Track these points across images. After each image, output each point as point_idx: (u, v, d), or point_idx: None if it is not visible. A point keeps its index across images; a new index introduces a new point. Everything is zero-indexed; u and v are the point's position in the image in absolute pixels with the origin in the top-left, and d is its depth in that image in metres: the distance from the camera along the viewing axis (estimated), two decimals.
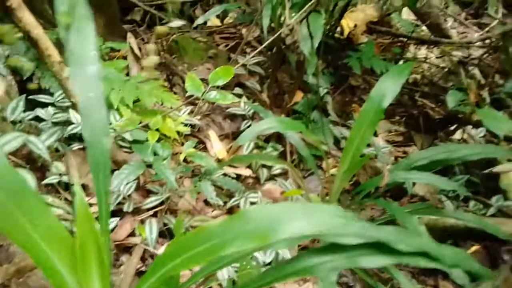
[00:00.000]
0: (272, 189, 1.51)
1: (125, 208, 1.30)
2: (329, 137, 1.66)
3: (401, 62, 2.11)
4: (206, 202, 1.43)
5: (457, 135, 1.86)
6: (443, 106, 1.89)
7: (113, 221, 1.26)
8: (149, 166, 1.33)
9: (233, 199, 1.41)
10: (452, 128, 1.85)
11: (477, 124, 1.68)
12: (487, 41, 2.09)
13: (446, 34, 2.24)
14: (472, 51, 2.19)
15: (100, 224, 0.66)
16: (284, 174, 1.57)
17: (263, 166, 1.56)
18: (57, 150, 1.33)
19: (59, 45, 1.27)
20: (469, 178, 1.58)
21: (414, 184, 1.53)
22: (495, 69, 1.94)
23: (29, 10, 1.10)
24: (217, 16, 2.20)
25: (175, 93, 1.69)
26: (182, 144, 1.49)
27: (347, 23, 2.03)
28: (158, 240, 1.26)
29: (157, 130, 1.41)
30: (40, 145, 1.19)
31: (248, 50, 2.02)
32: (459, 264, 0.66)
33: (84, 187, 1.29)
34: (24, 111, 1.32)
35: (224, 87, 1.57)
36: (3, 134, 1.15)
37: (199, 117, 1.66)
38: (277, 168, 1.56)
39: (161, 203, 1.35)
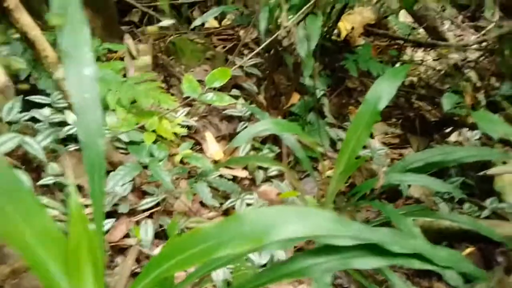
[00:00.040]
0: (268, 190, 1.52)
1: (121, 209, 1.30)
2: (325, 139, 1.66)
3: (398, 65, 2.12)
4: (202, 204, 1.43)
5: (453, 137, 1.87)
6: (439, 108, 1.90)
7: (109, 222, 1.26)
8: (145, 167, 1.33)
9: (229, 201, 1.42)
10: (448, 130, 1.86)
11: (473, 127, 1.69)
12: (484, 44, 2.11)
13: (443, 36, 2.25)
14: (469, 54, 2.19)
15: (94, 225, 0.66)
16: (280, 176, 1.58)
17: (260, 167, 1.56)
18: (53, 151, 1.33)
19: (57, 46, 1.28)
20: (464, 180, 1.59)
21: (409, 186, 1.53)
22: (491, 71, 1.95)
23: (27, 11, 1.10)
24: (215, 18, 2.20)
25: (172, 94, 1.69)
26: (179, 145, 1.49)
27: (345, 25, 2.04)
28: (153, 242, 1.26)
29: (154, 131, 1.41)
30: (36, 146, 1.19)
31: (245, 52, 2.02)
32: (453, 266, 0.66)
33: (80, 188, 1.29)
34: (20, 112, 1.32)
35: (221, 89, 1.57)
36: None
37: (196, 118, 1.67)
38: (273, 170, 1.56)
39: (157, 205, 1.35)
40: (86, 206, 1.21)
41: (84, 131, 0.69)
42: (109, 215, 1.29)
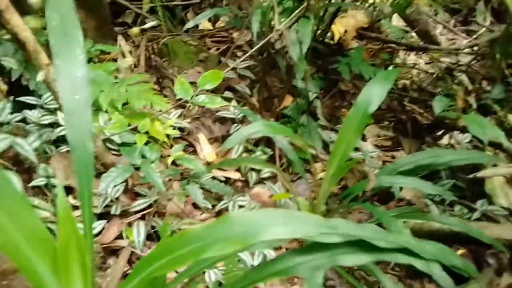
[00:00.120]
0: (261, 192, 1.52)
1: (113, 210, 1.30)
2: (317, 141, 1.67)
3: (390, 68, 2.14)
4: (195, 205, 1.43)
5: (445, 140, 1.88)
6: (431, 111, 1.91)
7: (101, 224, 1.26)
8: (138, 169, 1.33)
9: (221, 203, 1.42)
10: (440, 133, 1.88)
11: (464, 130, 1.70)
12: (475, 48, 2.13)
13: (435, 40, 2.28)
14: (461, 58, 2.22)
15: (83, 226, 0.66)
16: (273, 178, 1.58)
17: (252, 169, 1.56)
18: (45, 152, 1.33)
19: (48, 47, 1.28)
20: (455, 182, 1.60)
21: (401, 188, 1.54)
22: (482, 75, 1.97)
23: (18, 12, 1.10)
24: (209, 20, 2.21)
25: (165, 96, 1.69)
26: (171, 147, 1.49)
27: (338, 28, 2.05)
28: (145, 243, 1.26)
29: (146, 133, 1.41)
30: (27, 147, 1.19)
31: (239, 54, 2.03)
32: (440, 259, 0.67)
33: (71, 189, 1.29)
34: (12, 112, 1.31)
35: (214, 91, 1.57)
36: None
37: (188, 120, 1.67)
38: (266, 172, 1.57)
39: (149, 206, 1.35)
40: (77, 207, 1.20)
41: (74, 132, 0.69)
42: (101, 216, 1.29)
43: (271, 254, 1.23)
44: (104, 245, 1.26)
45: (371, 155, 1.70)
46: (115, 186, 1.29)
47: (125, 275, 1.19)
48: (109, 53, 1.74)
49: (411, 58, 2.35)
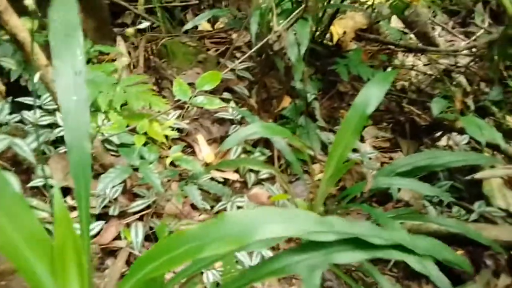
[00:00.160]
0: (259, 193, 1.52)
1: (111, 211, 1.30)
2: (315, 143, 1.67)
3: (389, 69, 2.14)
4: (193, 206, 1.43)
5: (443, 141, 1.89)
6: (429, 113, 1.92)
7: (99, 225, 1.26)
8: (136, 169, 1.33)
9: (220, 203, 1.42)
10: (438, 134, 1.88)
11: (462, 131, 1.71)
12: (474, 49, 2.13)
13: (434, 42, 2.28)
14: (459, 59, 2.22)
15: (80, 227, 0.66)
16: (271, 179, 1.59)
17: (251, 170, 1.57)
18: (43, 153, 1.33)
19: (47, 48, 1.28)
20: (453, 184, 1.60)
21: (399, 189, 1.55)
22: (480, 77, 1.97)
23: (17, 12, 1.10)
24: (208, 21, 2.21)
25: (164, 97, 1.69)
26: (170, 148, 1.50)
27: (336, 30, 2.06)
28: (143, 244, 1.26)
29: (145, 133, 1.42)
30: (25, 147, 1.19)
31: (238, 55, 2.03)
32: (433, 254, 0.68)
33: (70, 190, 1.29)
34: (11, 113, 1.31)
35: (212, 92, 1.57)
36: None
37: (187, 121, 1.67)
38: (265, 173, 1.57)
39: (148, 207, 1.35)
40: (76, 208, 1.20)
41: (71, 133, 0.69)
42: (99, 217, 1.29)
43: (268, 255, 1.23)
44: (102, 246, 1.26)
45: (369, 156, 1.71)
46: (113, 187, 1.29)
47: (123, 276, 1.19)
48: (108, 54, 1.74)
49: (410, 59, 2.36)
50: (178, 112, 1.63)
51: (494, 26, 2.66)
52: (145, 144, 1.40)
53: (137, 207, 1.34)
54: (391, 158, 1.85)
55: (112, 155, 1.42)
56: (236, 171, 1.58)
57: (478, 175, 1.42)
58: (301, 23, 1.39)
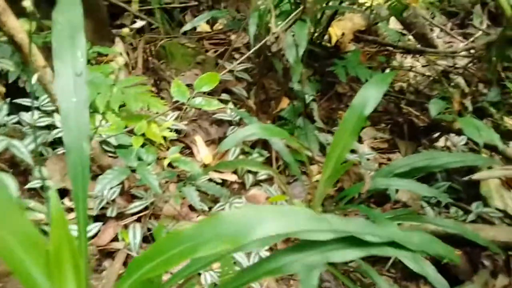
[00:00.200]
0: (257, 194, 1.52)
1: (109, 213, 1.30)
2: (314, 144, 1.67)
3: (387, 71, 2.14)
4: (191, 207, 1.43)
5: (441, 142, 1.89)
6: (427, 114, 1.92)
7: (96, 226, 1.26)
8: (134, 171, 1.33)
9: (218, 205, 1.42)
10: (436, 135, 1.88)
11: (460, 132, 1.71)
12: (472, 51, 2.14)
13: (432, 43, 2.29)
14: (457, 61, 2.23)
15: (78, 229, 0.66)
16: (269, 180, 1.59)
17: (249, 171, 1.57)
18: (41, 154, 1.33)
19: (45, 49, 1.28)
20: (451, 185, 1.61)
21: (397, 190, 1.55)
22: (478, 78, 1.98)
23: (15, 13, 1.10)
24: (207, 22, 2.22)
25: (162, 98, 1.69)
26: (168, 149, 1.50)
27: (335, 31, 2.06)
28: (141, 245, 1.26)
29: (143, 135, 1.42)
30: (23, 149, 1.19)
31: (236, 56, 2.03)
32: (425, 248, 0.69)
33: (67, 191, 1.29)
34: (8, 114, 1.31)
35: (211, 93, 1.58)
36: None
37: (185, 122, 1.67)
38: (263, 174, 1.57)
39: (146, 208, 1.35)
40: (73, 209, 1.20)
41: (70, 135, 0.69)
42: (97, 218, 1.29)
43: (266, 255, 1.23)
44: (100, 248, 1.26)
45: (367, 157, 1.71)
46: (111, 188, 1.29)
47: (120, 277, 1.19)
48: (106, 55, 1.74)
49: (408, 61, 2.36)
50: (176, 113, 1.64)
51: (492, 27, 2.67)
52: (143, 146, 1.40)
53: (135, 209, 1.33)
54: (389, 159, 1.86)
55: (110, 156, 1.42)
56: (234, 172, 1.58)
57: (475, 176, 1.43)
58: (299, 24, 1.39)
